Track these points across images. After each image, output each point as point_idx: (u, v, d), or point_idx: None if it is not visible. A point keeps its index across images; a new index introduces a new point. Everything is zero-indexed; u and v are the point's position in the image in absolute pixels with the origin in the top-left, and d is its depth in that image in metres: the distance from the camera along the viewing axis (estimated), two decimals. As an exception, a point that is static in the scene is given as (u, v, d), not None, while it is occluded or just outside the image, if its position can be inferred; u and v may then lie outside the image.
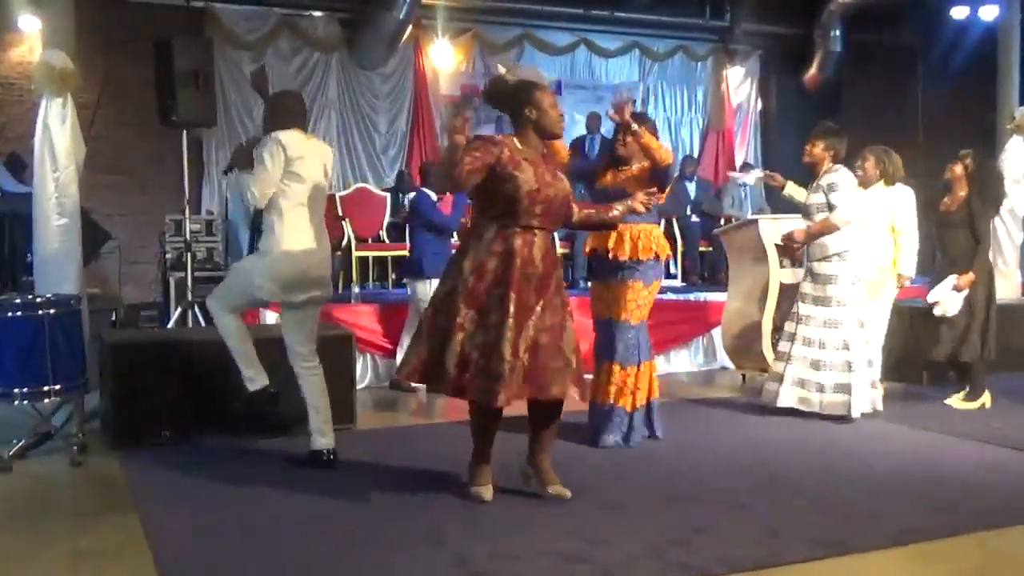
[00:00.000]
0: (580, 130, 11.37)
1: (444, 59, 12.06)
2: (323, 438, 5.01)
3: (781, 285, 7.32)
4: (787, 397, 6.05)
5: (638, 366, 5.38)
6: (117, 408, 5.49)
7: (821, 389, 5.97)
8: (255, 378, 4.98)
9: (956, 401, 6.50)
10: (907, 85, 13.23)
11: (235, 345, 4.96)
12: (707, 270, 10.55)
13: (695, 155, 13.12)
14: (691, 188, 11.05)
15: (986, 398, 6.47)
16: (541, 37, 12.58)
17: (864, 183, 6.46)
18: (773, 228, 7.22)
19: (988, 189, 6.45)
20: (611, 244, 5.34)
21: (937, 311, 6.33)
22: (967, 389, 6.52)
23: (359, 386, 6.61)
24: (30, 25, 9.67)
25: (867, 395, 6.02)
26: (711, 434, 5.77)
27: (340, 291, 9.22)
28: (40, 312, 5.04)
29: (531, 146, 4.29)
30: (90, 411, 5.69)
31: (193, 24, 10.67)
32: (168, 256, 8.75)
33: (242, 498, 4.46)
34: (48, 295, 5.48)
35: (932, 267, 6.74)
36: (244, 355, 4.97)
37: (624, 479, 4.68)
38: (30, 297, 5.48)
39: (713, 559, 3.57)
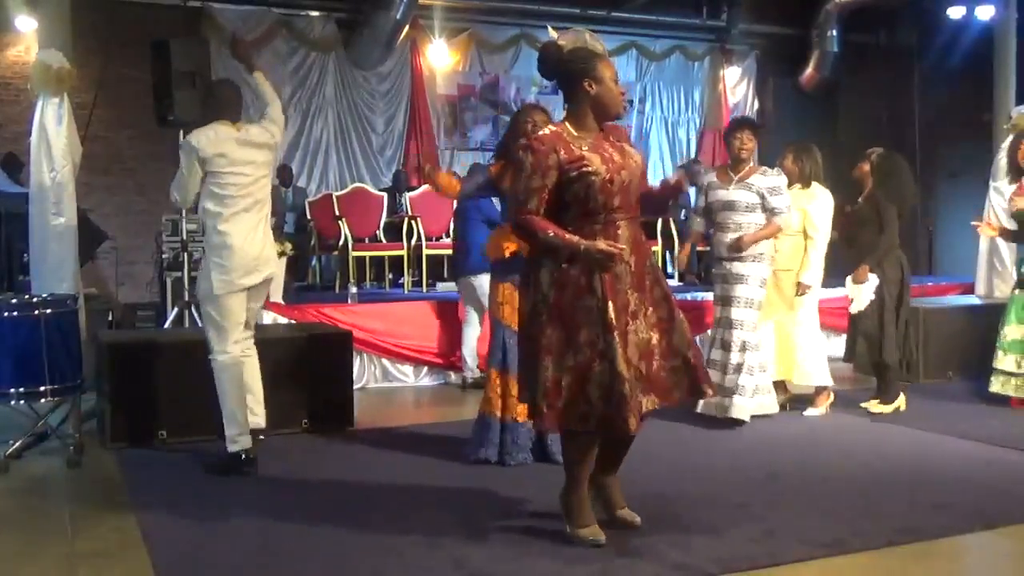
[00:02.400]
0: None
1: (441, 59, 12.07)
2: (256, 418, 5.12)
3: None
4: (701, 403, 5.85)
5: None
6: (114, 408, 5.48)
7: (722, 392, 5.78)
8: (238, 440, 4.88)
9: (872, 404, 6.26)
10: (904, 85, 13.25)
11: (228, 405, 4.90)
12: (703, 270, 10.55)
13: (692, 155, 13.15)
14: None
15: (900, 401, 6.26)
16: (538, 37, 12.56)
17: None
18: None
19: (890, 181, 6.20)
20: None
21: (851, 308, 6.18)
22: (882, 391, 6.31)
23: (356, 386, 6.60)
24: (26, 25, 9.67)
25: (761, 399, 5.85)
26: (708, 434, 5.76)
27: (337, 291, 9.23)
28: (37, 312, 5.03)
29: (587, 128, 3.71)
30: (87, 411, 5.68)
31: (190, 24, 10.69)
32: (165, 256, 8.74)
33: (239, 498, 4.45)
34: (45, 295, 5.47)
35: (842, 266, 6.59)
36: (234, 415, 4.90)
37: (621, 480, 4.67)
38: (27, 297, 5.47)
39: (711, 559, 3.56)
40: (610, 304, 3.53)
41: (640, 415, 3.54)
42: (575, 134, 3.69)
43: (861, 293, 6.14)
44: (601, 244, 3.50)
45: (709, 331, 6.20)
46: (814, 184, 6.18)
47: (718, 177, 5.98)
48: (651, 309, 3.67)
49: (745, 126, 6.00)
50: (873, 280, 6.11)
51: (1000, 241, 8.56)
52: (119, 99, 10.11)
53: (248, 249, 4.89)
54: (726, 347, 5.86)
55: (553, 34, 3.88)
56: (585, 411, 3.55)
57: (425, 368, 7.65)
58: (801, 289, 6.11)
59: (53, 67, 6.15)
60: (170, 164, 8.92)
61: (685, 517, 4.07)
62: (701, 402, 5.81)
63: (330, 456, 5.26)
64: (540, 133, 3.75)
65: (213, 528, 4.03)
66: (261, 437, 5.13)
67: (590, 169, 3.58)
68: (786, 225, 5.86)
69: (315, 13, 11.58)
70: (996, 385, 6.32)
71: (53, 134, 6.14)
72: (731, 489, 4.51)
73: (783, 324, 6.19)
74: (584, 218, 3.61)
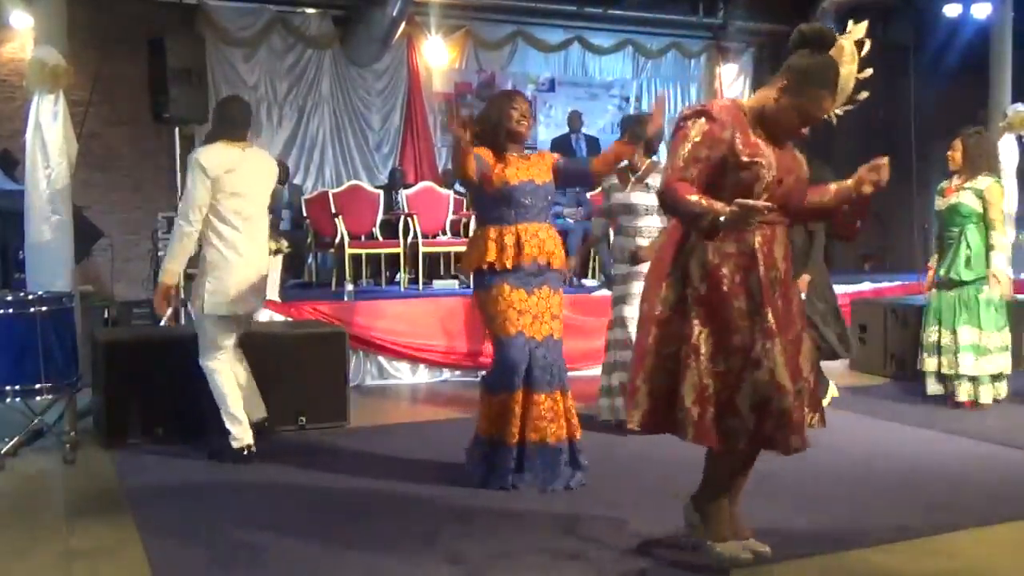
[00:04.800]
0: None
1: (437, 56, 12.05)
2: (257, 410, 5.22)
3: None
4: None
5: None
6: (110, 406, 5.48)
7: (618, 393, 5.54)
8: (240, 436, 5.02)
9: None
10: (900, 82, 13.25)
11: (225, 405, 5.02)
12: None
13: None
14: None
15: (833, 390, 6.30)
16: (534, 34, 12.58)
17: None
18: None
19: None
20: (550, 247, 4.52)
21: None
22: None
23: (352, 383, 6.60)
24: (22, 22, 9.64)
25: None
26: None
27: (334, 288, 9.22)
28: (32, 310, 5.03)
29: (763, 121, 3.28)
30: (83, 409, 5.68)
31: (185, 21, 10.65)
32: (160, 253, 8.72)
33: (235, 495, 4.46)
34: (40, 292, 5.46)
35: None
36: (233, 414, 5.02)
37: (618, 477, 4.68)
38: (22, 294, 5.46)
39: (707, 556, 3.56)
40: (769, 308, 3.16)
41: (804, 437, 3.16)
42: (751, 121, 3.26)
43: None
44: (741, 203, 2.96)
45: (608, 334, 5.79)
46: None
47: (618, 178, 5.69)
48: (790, 325, 3.29)
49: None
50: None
51: (996, 238, 8.56)
52: (115, 96, 10.09)
53: (242, 274, 4.97)
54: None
55: (852, 27, 3.37)
56: (734, 425, 3.18)
57: (421, 365, 7.65)
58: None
59: (49, 64, 6.14)
60: (166, 161, 8.95)
61: (680, 515, 4.07)
62: (605, 408, 5.63)
63: (326, 453, 5.26)
64: (718, 104, 3.27)
65: (209, 525, 4.03)
66: (266, 424, 5.28)
67: (763, 162, 3.18)
68: None
69: (311, 10, 11.56)
70: (931, 387, 6.38)
71: (48, 131, 6.13)
72: (727, 486, 4.51)
73: None
74: None
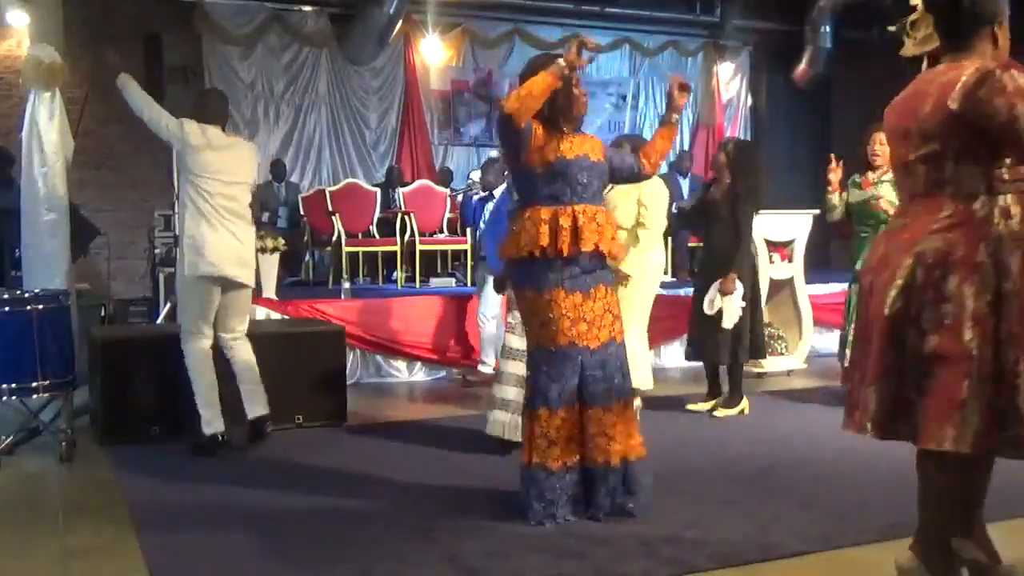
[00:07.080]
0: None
1: (434, 54, 12.06)
2: (258, 406, 5.28)
3: (771, 280, 7.37)
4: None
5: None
6: (106, 404, 5.48)
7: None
8: (212, 422, 5.13)
9: (718, 409, 6.12)
10: (897, 81, 13.22)
11: (200, 388, 5.15)
12: (697, 265, 10.56)
13: (686, 151, 13.17)
14: (684, 185, 11.08)
15: (744, 404, 6.11)
16: (532, 32, 12.57)
17: None
18: (763, 223, 7.23)
19: (748, 177, 5.93)
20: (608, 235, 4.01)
21: (725, 323, 5.87)
22: (727, 395, 6.20)
23: (349, 381, 6.60)
24: (18, 20, 9.61)
25: None
26: (700, 430, 5.77)
27: (330, 286, 9.23)
28: (29, 308, 5.03)
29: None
30: (79, 407, 5.68)
31: (182, 19, 10.64)
32: (157, 251, 8.73)
33: (231, 494, 4.45)
34: (36, 290, 5.45)
35: (693, 264, 6.29)
36: (207, 398, 5.14)
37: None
38: (18, 292, 5.46)
39: (703, 554, 3.57)
40: None
41: None
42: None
43: (731, 303, 5.87)
44: None
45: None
46: (655, 178, 5.65)
47: None
48: None
49: None
50: (740, 288, 5.89)
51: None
52: (111, 94, 10.01)
53: (219, 243, 5.05)
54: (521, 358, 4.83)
55: None
56: (1017, 434, 2.73)
57: (418, 364, 7.65)
58: (621, 277, 5.38)
59: (45, 62, 6.13)
60: (162, 159, 8.92)
61: (677, 512, 4.08)
62: (491, 421, 5.07)
63: (323, 451, 5.26)
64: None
65: (206, 523, 4.03)
66: (266, 422, 5.35)
67: None
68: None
69: (308, 8, 11.55)
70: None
71: (45, 129, 6.13)
72: (723, 485, 4.52)
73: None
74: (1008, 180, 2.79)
